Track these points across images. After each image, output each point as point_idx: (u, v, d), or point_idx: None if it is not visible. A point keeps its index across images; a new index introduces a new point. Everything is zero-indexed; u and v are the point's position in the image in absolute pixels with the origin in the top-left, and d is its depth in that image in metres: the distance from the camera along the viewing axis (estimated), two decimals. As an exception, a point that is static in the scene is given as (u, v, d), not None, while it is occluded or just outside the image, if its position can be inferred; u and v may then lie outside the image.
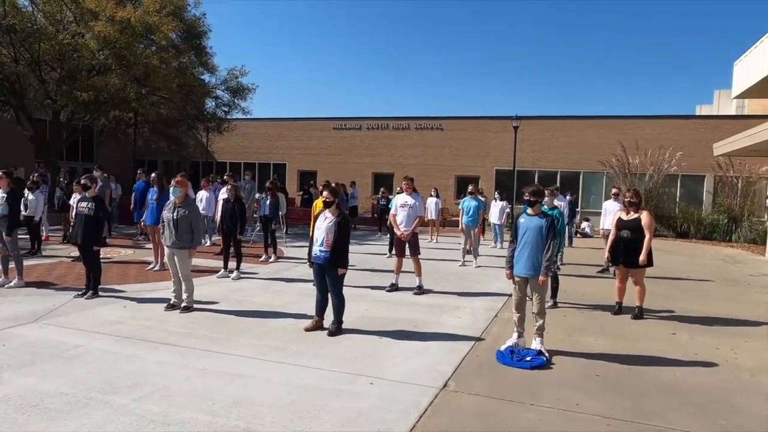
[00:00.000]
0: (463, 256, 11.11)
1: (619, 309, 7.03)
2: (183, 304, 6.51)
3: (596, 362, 5.03)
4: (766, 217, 19.32)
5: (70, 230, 7.19)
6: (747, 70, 17.53)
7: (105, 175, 13.02)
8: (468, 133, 25.24)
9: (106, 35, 15.29)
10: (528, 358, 4.88)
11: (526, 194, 5.15)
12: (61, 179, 13.34)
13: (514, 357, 4.92)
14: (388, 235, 12.58)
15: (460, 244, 11.43)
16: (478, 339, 5.67)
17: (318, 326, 5.83)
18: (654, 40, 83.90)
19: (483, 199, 13.33)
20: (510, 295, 8.05)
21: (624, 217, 6.86)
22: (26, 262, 9.39)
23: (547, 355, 5.01)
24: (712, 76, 75.49)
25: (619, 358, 5.15)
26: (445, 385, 4.32)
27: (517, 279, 5.23)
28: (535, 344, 5.15)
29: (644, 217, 6.69)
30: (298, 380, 4.35)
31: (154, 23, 16.23)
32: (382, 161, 26.70)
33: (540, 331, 5.18)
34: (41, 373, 4.36)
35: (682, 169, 20.33)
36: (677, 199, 21.66)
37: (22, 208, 10.40)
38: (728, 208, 19.51)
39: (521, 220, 5.20)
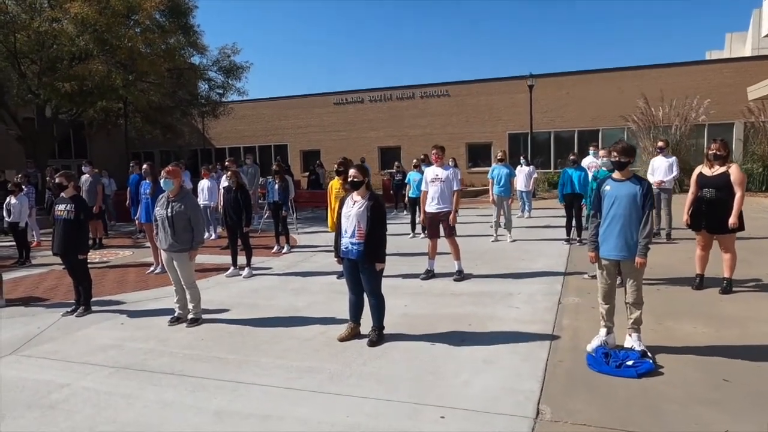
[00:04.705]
0: (496, 231, 10.04)
1: (700, 282, 5.97)
2: (189, 316, 5.49)
3: (712, 360, 3.98)
4: (804, 162, 18.08)
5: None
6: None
7: (95, 170, 11.92)
8: (477, 98, 23.92)
9: (83, 17, 14.03)
10: (630, 363, 3.83)
11: (614, 153, 4.02)
12: (49, 179, 12.28)
13: (611, 362, 3.87)
14: (406, 213, 11.56)
15: (491, 216, 10.34)
16: (553, 337, 4.63)
17: (354, 334, 4.80)
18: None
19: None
20: (566, 274, 7.08)
21: (707, 172, 5.72)
22: (13, 274, 8.46)
23: (650, 355, 3.96)
24: (723, 20, 72.84)
25: (738, 351, 4.10)
26: (538, 413, 3.29)
27: (604, 262, 4.15)
28: (632, 342, 4.10)
29: (734, 171, 5.55)
30: (343, 418, 3.33)
31: (135, 1, 14.91)
32: (387, 134, 25.49)
33: (636, 326, 4.13)
34: (12, 432, 3.35)
35: (710, 118, 19.02)
36: (705, 150, 20.38)
37: (4, 213, 9.42)
38: (762, 156, 18.24)
39: (606, 187, 4.09)
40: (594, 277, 6.44)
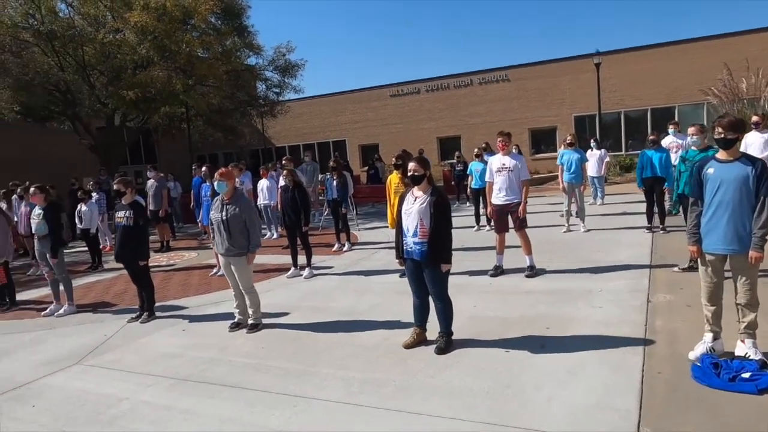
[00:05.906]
0: (567, 220, 9.37)
1: (814, 274, 5.17)
2: (249, 321, 5.33)
3: None
4: None
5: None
6: None
7: (160, 174, 12.20)
8: (538, 81, 22.83)
9: (143, 25, 14.37)
10: (746, 375, 3.25)
11: (719, 129, 3.42)
12: (118, 185, 12.66)
13: (723, 373, 3.31)
14: (469, 204, 11.06)
15: (562, 205, 9.68)
16: (646, 341, 4.07)
17: (420, 340, 4.45)
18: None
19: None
20: (652, 266, 6.40)
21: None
22: (86, 279, 8.72)
23: (772, 365, 3.36)
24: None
25: None
26: (640, 438, 2.82)
27: (709, 257, 3.57)
28: (746, 349, 3.51)
29: None
30: (412, 440, 2.98)
31: (190, 5, 15.16)
32: (446, 124, 24.87)
33: (751, 330, 3.52)
34: (70, 451, 3.25)
35: (805, 87, 17.16)
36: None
37: (77, 221, 9.74)
38: None
39: (710, 170, 3.50)
40: (687, 269, 5.79)
